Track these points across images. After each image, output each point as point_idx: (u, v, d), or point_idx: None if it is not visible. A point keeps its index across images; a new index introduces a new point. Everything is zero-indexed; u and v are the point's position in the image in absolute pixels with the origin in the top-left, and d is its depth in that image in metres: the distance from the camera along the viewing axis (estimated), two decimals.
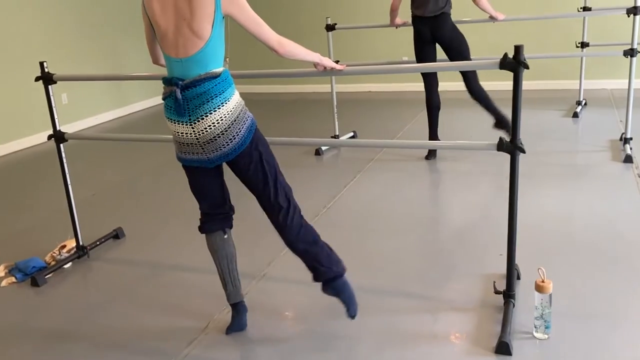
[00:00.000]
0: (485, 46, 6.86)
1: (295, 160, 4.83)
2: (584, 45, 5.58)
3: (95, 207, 4.14)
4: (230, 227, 2.37)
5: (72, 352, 2.44)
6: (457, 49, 4.29)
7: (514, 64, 2.15)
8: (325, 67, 2.37)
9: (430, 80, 4.42)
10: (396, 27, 4.65)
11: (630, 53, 4.19)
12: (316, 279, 2.32)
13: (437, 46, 4.36)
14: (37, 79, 3.00)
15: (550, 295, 2.24)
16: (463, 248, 3.13)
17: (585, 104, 5.90)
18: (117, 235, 3.51)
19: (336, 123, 5.12)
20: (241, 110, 2.16)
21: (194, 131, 2.12)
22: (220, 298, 2.52)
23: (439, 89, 4.48)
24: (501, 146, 2.28)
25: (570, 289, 2.59)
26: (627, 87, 4.30)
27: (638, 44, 4.20)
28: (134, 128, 6.66)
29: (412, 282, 2.80)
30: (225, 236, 2.33)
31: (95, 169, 5.11)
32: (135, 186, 4.61)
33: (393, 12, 4.51)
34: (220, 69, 2.12)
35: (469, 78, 4.31)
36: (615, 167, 4.10)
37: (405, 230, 3.38)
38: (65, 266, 3.20)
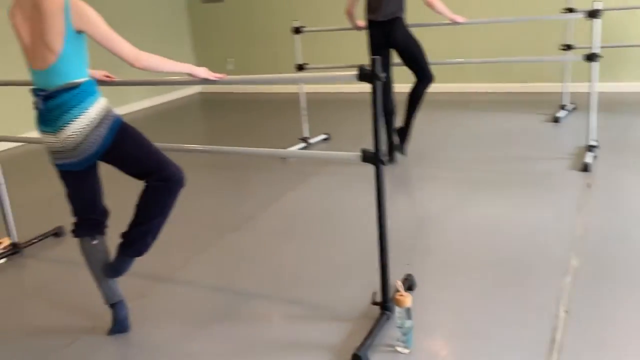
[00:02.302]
0: (460, 50, 6.81)
1: (261, 163, 4.85)
2: (569, 47, 5.41)
3: (52, 206, 4.30)
4: (101, 233, 2.44)
5: None
6: (411, 54, 4.27)
7: (370, 76, 2.14)
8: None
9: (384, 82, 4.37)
10: (358, 30, 4.63)
11: (590, 58, 4.04)
12: (126, 246, 2.39)
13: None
14: None
15: (409, 309, 2.22)
16: (373, 257, 3.11)
17: (575, 108, 5.70)
18: (57, 233, 3.65)
19: (304, 125, 5.14)
20: (104, 117, 2.22)
21: (57, 140, 2.20)
22: None
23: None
24: (364, 157, 2.26)
25: (459, 306, 2.55)
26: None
27: (600, 47, 4.05)
28: None
29: (305, 289, 2.80)
30: (94, 242, 2.41)
31: None
32: None
33: (349, 15, 4.50)
34: (81, 80, 2.19)
35: (424, 83, 4.30)
36: (569, 176, 3.96)
37: (327, 237, 3.38)
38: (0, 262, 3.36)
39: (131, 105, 7.60)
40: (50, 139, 2.22)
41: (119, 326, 2.51)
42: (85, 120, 2.17)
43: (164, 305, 2.76)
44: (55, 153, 2.26)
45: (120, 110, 7.34)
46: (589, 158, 4.10)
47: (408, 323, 2.23)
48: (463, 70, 6.94)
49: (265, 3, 7.94)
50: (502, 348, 2.23)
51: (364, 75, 2.14)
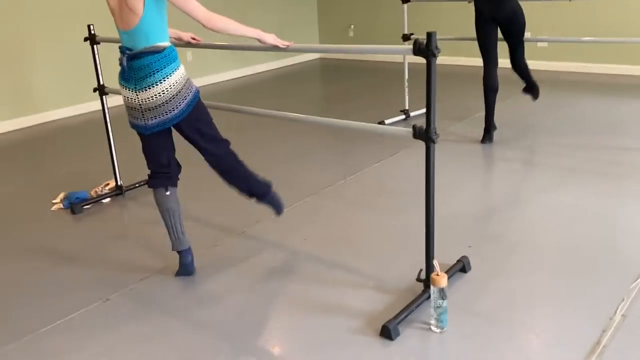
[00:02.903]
0: (585, 27, 6.31)
1: (361, 132, 4.86)
2: None
3: None
4: (173, 185, 2.66)
5: (61, 272, 2.94)
6: (518, 30, 4.07)
7: (425, 51, 2.10)
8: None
9: (489, 58, 4.19)
10: (469, 2, 4.46)
11: None
12: (252, 197, 2.76)
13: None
14: (85, 39, 3.53)
15: (443, 289, 2.20)
16: (440, 235, 3.06)
17: None
18: None
19: (406, 97, 5.08)
20: (184, 85, 2.41)
21: (138, 97, 2.42)
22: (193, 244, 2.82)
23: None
24: (415, 134, 2.25)
25: (510, 293, 2.48)
26: None
27: None
28: (252, 88, 7.17)
29: (361, 257, 2.86)
30: (167, 193, 2.63)
31: None
32: None
33: None
34: (164, 44, 2.38)
35: (520, 55, 4.21)
36: None
37: (397, 210, 3.38)
38: (105, 201, 3.78)
39: (256, 67, 7.94)
40: (129, 94, 2.45)
41: (184, 270, 2.75)
42: (167, 84, 2.37)
43: (230, 257, 2.96)
44: (130, 109, 2.49)
45: (246, 72, 7.79)
46: None
47: (443, 303, 2.21)
48: (587, 48, 6.44)
49: None
50: (541, 341, 2.16)
51: (419, 49, 2.10)
